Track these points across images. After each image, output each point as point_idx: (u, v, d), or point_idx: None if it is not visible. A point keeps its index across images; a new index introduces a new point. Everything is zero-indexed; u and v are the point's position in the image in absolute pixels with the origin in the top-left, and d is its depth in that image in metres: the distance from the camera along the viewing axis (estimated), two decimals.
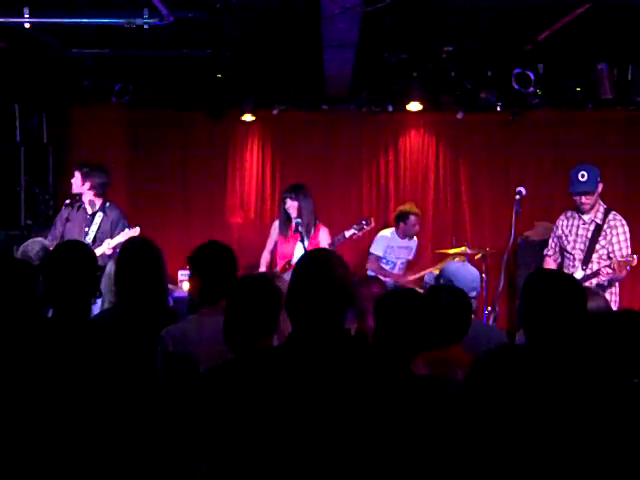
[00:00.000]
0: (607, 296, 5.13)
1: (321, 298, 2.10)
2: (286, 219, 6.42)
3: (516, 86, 6.54)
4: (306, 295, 2.12)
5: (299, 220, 6.15)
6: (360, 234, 6.42)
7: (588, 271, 5.21)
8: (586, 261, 5.29)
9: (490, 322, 6.04)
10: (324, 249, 3.09)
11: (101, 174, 5.97)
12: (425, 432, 2.02)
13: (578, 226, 5.36)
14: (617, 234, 5.19)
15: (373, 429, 1.96)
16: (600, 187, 5.28)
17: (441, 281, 3.90)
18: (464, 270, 3.82)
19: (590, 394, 2.22)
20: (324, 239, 6.37)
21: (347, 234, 6.26)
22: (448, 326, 3.12)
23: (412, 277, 6.88)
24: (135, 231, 5.68)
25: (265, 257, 6.64)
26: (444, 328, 3.10)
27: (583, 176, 5.21)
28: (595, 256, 5.26)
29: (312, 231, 6.34)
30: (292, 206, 6.32)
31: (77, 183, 5.91)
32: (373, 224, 6.47)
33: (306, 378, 2.01)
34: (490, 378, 2.06)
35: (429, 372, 2.84)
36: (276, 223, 6.63)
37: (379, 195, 7.96)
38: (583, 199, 5.25)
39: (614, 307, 5.15)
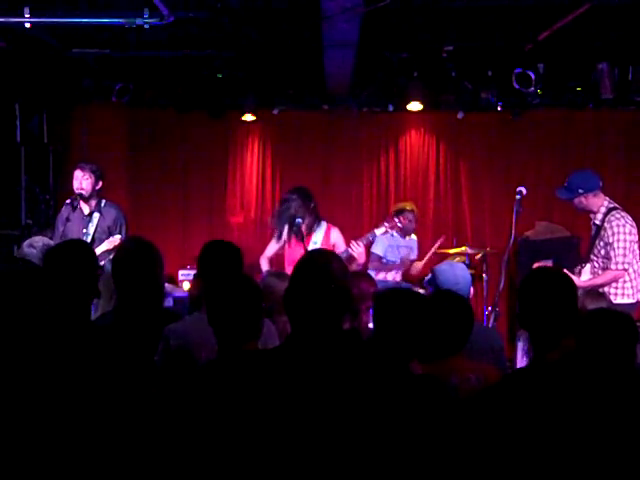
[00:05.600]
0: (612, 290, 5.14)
1: (320, 299, 2.09)
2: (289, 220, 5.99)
3: (516, 86, 6.54)
4: (305, 296, 2.11)
5: (300, 220, 6.02)
6: (392, 231, 6.28)
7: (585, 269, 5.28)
8: (586, 261, 5.34)
9: (490, 322, 6.04)
10: (323, 249, 3.08)
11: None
12: (422, 431, 2.02)
13: (593, 229, 5.40)
14: (607, 236, 5.17)
15: (372, 430, 1.95)
16: (584, 198, 5.20)
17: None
18: (449, 272, 3.73)
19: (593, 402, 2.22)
20: (338, 239, 6.13)
21: (378, 232, 5.93)
22: (448, 338, 3.04)
23: (418, 263, 6.87)
24: (115, 240, 5.63)
25: (264, 264, 6.23)
26: (445, 340, 3.03)
27: (566, 182, 5.27)
28: (592, 256, 5.28)
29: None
30: (294, 206, 5.95)
31: (89, 182, 5.84)
32: (405, 222, 6.24)
33: (305, 379, 2.00)
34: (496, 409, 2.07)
35: None
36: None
37: (379, 195, 7.96)
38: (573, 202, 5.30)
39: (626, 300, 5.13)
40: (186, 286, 6.85)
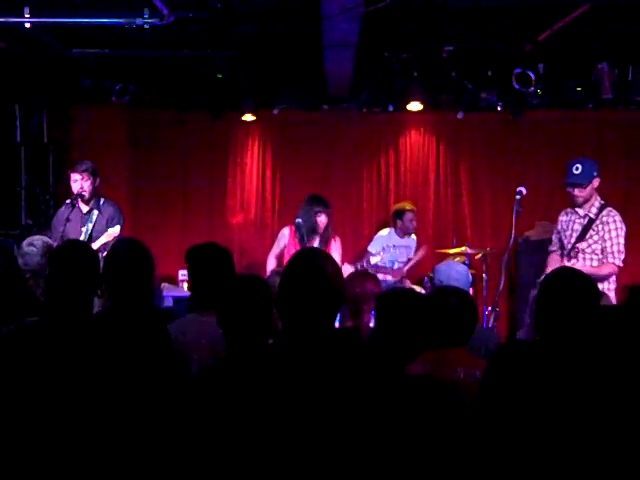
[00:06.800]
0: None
1: (311, 296, 2.09)
2: (312, 230, 6.11)
3: (516, 86, 6.54)
4: (296, 293, 2.10)
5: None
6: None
7: (565, 261, 5.19)
8: (569, 252, 5.25)
9: (490, 322, 6.05)
10: (315, 248, 3.09)
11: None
12: (415, 432, 2.01)
13: (574, 221, 5.33)
14: (609, 230, 5.15)
15: (362, 430, 1.94)
16: (596, 181, 5.20)
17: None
18: (446, 271, 3.83)
19: (603, 386, 2.21)
20: (335, 249, 6.24)
21: (373, 260, 6.20)
22: (453, 329, 3.09)
23: (406, 267, 6.91)
24: (115, 230, 5.65)
25: (271, 263, 6.36)
26: (449, 330, 3.08)
27: (577, 169, 5.18)
28: (578, 249, 5.20)
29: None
30: (323, 222, 6.20)
31: (89, 182, 5.86)
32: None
33: (295, 378, 1.99)
34: (507, 375, 2.06)
35: (427, 372, 2.83)
36: (286, 230, 6.38)
37: (379, 195, 7.96)
38: (575, 191, 5.21)
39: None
40: (186, 286, 6.86)
